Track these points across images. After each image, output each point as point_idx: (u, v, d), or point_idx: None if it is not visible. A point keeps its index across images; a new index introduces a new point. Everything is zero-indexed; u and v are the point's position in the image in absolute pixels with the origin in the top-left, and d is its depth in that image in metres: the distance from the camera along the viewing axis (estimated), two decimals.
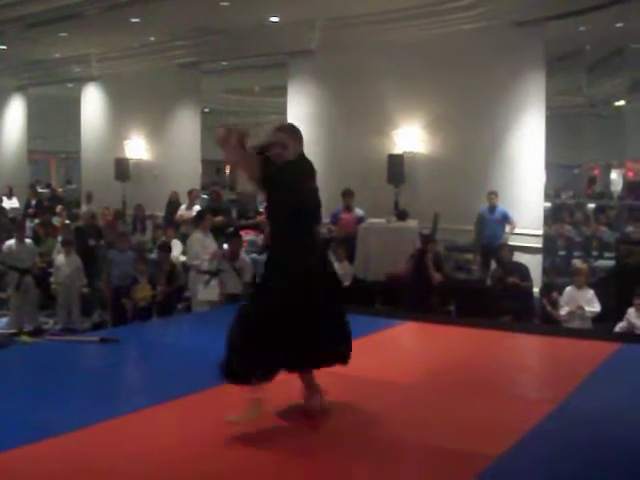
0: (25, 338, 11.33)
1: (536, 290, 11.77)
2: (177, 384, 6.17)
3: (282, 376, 5.22)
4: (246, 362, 4.93)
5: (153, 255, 13.33)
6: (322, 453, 4.81)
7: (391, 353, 7.85)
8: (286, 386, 5.44)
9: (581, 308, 10.03)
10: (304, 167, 5.55)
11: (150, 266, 11.78)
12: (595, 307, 10.06)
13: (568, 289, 10.34)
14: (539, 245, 13.16)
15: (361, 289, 11.66)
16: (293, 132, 5.51)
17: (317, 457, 4.77)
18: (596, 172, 18.20)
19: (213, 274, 10.68)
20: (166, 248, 11.98)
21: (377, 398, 6.01)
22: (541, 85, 13.08)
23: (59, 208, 18.55)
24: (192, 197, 15.57)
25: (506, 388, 6.52)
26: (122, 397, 5.97)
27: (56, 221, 17.03)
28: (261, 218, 13.99)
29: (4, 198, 20.47)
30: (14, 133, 23.61)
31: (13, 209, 20.16)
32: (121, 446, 4.80)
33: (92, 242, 14.52)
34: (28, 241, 12.36)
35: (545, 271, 12.96)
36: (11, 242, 12.18)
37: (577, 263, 11.86)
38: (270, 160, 5.24)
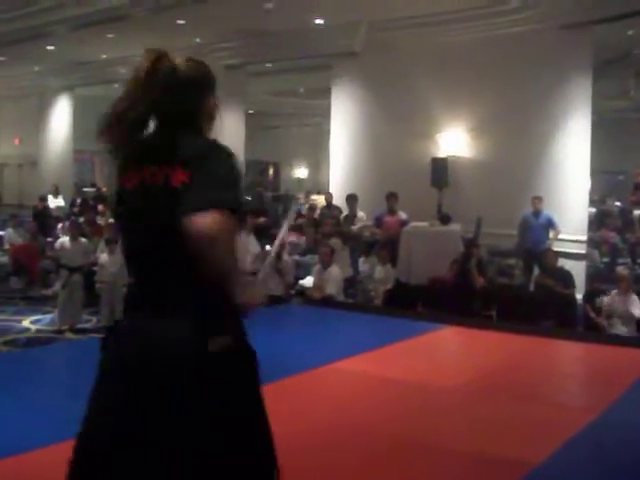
0: (68, 335, 11.45)
1: (579, 297, 11.66)
2: None
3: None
4: None
5: None
6: (361, 457, 4.81)
7: (432, 357, 7.84)
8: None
9: (626, 312, 9.87)
10: None
11: None
12: (636, 311, 9.88)
13: (612, 294, 10.21)
14: (583, 251, 13.02)
15: (403, 292, 11.63)
16: None
17: (348, 456, 4.77)
18: None
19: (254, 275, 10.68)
20: None
21: (417, 402, 6.00)
22: (587, 89, 12.95)
23: (101, 207, 18.70)
24: None
25: (547, 395, 6.48)
26: None
27: (100, 220, 17.17)
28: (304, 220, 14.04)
29: (50, 197, 20.67)
30: (60, 132, 23.86)
31: (58, 207, 20.35)
32: None
33: None
34: (82, 240, 12.47)
35: (588, 277, 12.85)
36: (64, 240, 12.29)
37: (620, 270, 11.72)
38: None
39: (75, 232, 12.41)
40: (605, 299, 10.24)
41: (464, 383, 6.60)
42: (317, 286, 11.24)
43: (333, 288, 11.20)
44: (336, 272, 11.43)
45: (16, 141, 25.54)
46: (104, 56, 20.36)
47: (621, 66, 14.87)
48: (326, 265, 11.35)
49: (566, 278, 11.07)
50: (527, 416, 5.66)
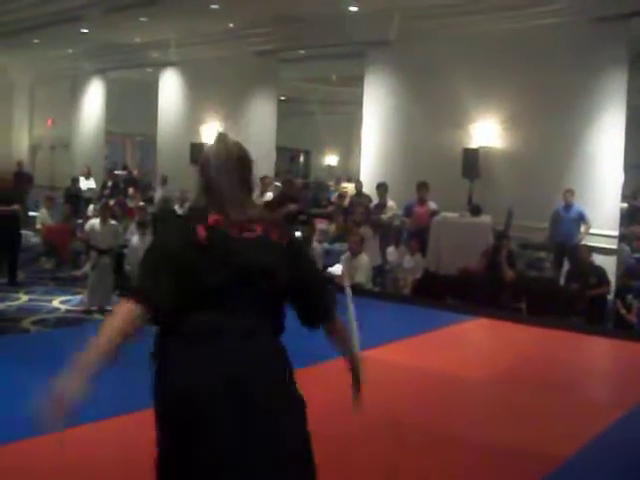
0: (97, 317, 11.52)
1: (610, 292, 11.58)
2: None
3: None
4: None
5: None
6: (384, 446, 4.81)
7: (461, 348, 7.82)
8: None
9: None
10: None
11: None
12: None
13: None
14: (614, 246, 12.91)
15: (432, 282, 11.61)
16: None
17: (378, 445, 4.76)
18: None
19: None
20: None
21: (444, 393, 5.99)
22: (622, 83, 12.82)
23: (131, 191, 18.79)
24: (265, 184, 15.63)
25: (575, 390, 6.45)
26: None
27: (130, 203, 17.25)
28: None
29: (82, 178, 20.78)
30: (93, 115, 23.99)
31: (89, 189, 20.46)
32: None
33: None
34: (112, 222, 12.52)
35: (619, 273, 12.74)
36: (94, 221, 12.35)
37: None
38: None
39: (105, 214, 12.45)
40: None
41: (492, 375, 6.58)
42: (346, 274, 11.23)
43: (362, 276, 11.20)
44: (365, 260, 11.42)
45: (49, 123, 25.70)
46: (137, 40, 20.42)
47: None
48: (356, 253, 11.34)
49: (600, 274, 10.99)
50: (555, 410, 5.64)
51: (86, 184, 20.72)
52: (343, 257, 11.63)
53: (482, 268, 11.14)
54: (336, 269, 11.75)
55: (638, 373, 7.05)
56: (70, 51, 22.65)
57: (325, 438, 4.86)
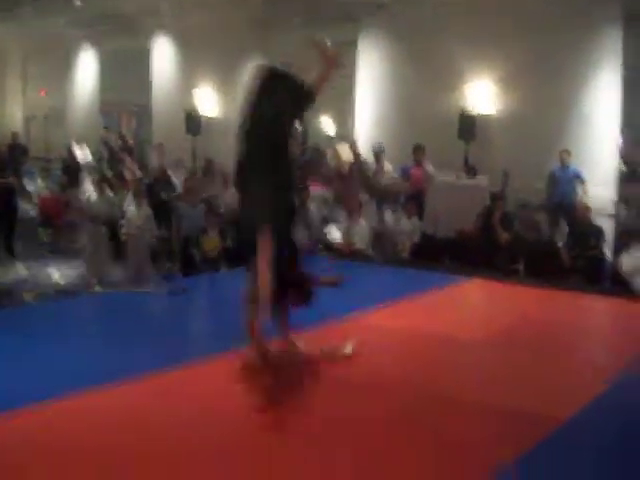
0: (96, 288, 11.52)
1: (608, 252, 11.58)
2: (240, 335, 6.22)
3: None
4: None
5: (222, 208, 13.41)
6: (381, 406, 4.83)
7: (458, 310, 7.85)
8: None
9: None
10: None
11: (220, 219, 11.87)
12: None
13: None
14: (611, 206, 12.90)
15: (430, 245, 11.62)
16: None
17: (376, 407, 4.79)
18: None
19: None
20: None
21: (442, 355, 6.02)
22: (618, 42, 12.73)
23: (128, 161, 18.70)
24: None
25: (573, 351, 6.48)
26: (185, 346, 6.04)
27: (126, 173, 17.19)
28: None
29: (76, 149, 20.69)
30: (86, 85, 23.83)
31: (85, 160, 20.39)
32: (183, 396, 4.88)
33: (164, 196, 14.62)
34: (108, 193, 12.50)
35: (617, 233, 12.73)
36: (90, 192, 12.34)
37: None
38: None
39: (101, 185, 12.45)
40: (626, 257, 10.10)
41: (489, 336, 6.60)
42: (345, 239, 11.24)
43: (361, 241, 11.20)
44: (364, 225, 11.42)
45: (42, 92, 25.53)
46: (130, 8, 20.24)
47: None
48: (354, 219, 11.34)
49: (597, 235, 10.98)
50: (552, 372, 5.66)
51: (81, 154, 20.63)
52: (341, 222, 11.61)
53: (477, 230, 11.14)
54: (334, 234, 11.74)
55: (636, 332, 7.06)
56: (62, 20, 22.46)
57: (321, 396, 4.91)
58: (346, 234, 11.28)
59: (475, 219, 11.40)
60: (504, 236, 10.97)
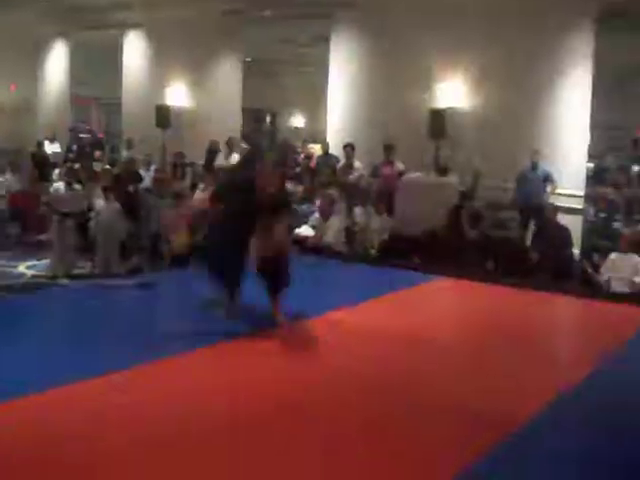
0: (63, 281, 11.45)
1: (576, 252, 11.65)
2: (211, 332, 6.19)
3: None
4: None
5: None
6: (347, 407, 4.82)
7: (426, 309, 7.85)
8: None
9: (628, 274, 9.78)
10: None
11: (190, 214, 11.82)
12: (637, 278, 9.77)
13: (612, 255, 10.14)
14: (580, 206, 12.98)
15: (399, 243, 11.62)
16: None
17: (343, 407, 4.77)
18: None
19: None
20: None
21: (409, 355, 6.00)
22: (589, 42, 12.81)
23: (98, 154, 18.61)
24: (230, 146, 15.53)
25: (542, 349, 6.49)
26: (154, 343, 6.00)
27: (96, 167, 17.10)
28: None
29: (46, 142, 20.56)
30: (57, 78, 23.65)
31: (55, 153, 20.25)
32: (150, 392, 4.84)
33: (131, 188, 14.56)
34: (76, 186, 12.42)
35: (585, 233, 12.81)
36: (59, 185, 12.26)
37: (623, 228, 11.65)
38: None
39: (70, 178, 12.37)
40: (607, 261, 10.13)
41: (457, 336, 6.61)
42: (317, 236, 11.23)
43: (333, 238, 11.20)
44: (336, 222, 11.41)
45: (12, 87, 25.31)
46: (100, 1, 20.11)
47: (623, 19, 14.68)
48: (327, 215, 11.33)
49: (564, 235, 11.04)
50: (519, 371, 5.67)
51: (51, 148, 20.50)
52: (312, 219, 11.58)
53: (446, 228, 11.17)
54: (304, 230, 11.71)
55: (604, 332, 7.10)
56: (31, 14, 22.26)
57: (291, 404, 4.89)
58: (319, 230, 11.26)
59: (444, 217, 11.40)
60: (472, 233, 10.99)
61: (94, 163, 17.34)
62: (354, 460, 4.03)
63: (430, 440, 4.39)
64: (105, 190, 12.49)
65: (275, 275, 6.63)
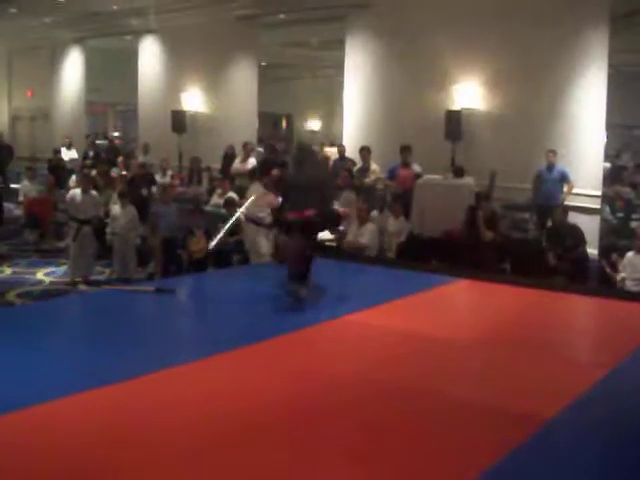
0: (81, 287, 11.50)
1: (594, 252, 11.62)
2: (230, 336, 6.20)
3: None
4: None
5: (208, 207, 13.42)
6: (369, 406, 4.82)
7: (445, 311, 7.84)
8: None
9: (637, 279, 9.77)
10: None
11: (206, 218, 11.88)
12: None
13: (629, 254, 10.12)
14: (597, 206, 12.94)
15: (417, 245, 11.62)
16: None
17: (363, 409, 4.78)
18: None
19: (270, 227, 10.78)
20: (233, 203, 11.97)
21: (429, 356, 6.00)
22: (604, 41, 12.75)
23: (120, 159, 18.70)
24: (247, 150, 15.58)
25: (560, 350, 6.46)
26: (174, 348, 6.02)
27: (115, 172, 17.19)
28: None
29: (63, 149, 20.66)
30: (72, 85, 23.77)
31: (72, 160, 20.34)
32: (171, 398, 4.85)
33: (145, 192, 14.62)
34: (93, 192, 12.48)
35: (603, 233, 12.78)
36: (76, 192, 12.31)
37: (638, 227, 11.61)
38: None
39: (86, 184, 12.43)
40: (621, 265, 10.11)
41: (476, 337, 6.59)
42: (352, 241, 11.35)
43: (369, 242, 11.32)
44: (372, 227, 11.48)
45: (29, 94, 25.46)
46: (115, 7, 20.19)
47: (638, 19, 14.64)
48: (363, 220, 11.47)
49: (576, 235, 11.00)
50: (539, 371, 5.65)
51: (68, 155, 20.60)
52: (349, 226, 11.57)
53: (462, 230, 11.16)
54: (324, 235, 11.75)
55: (622, 331, 7.07)
56: (47, 20, 22.38)
57: (312, 406, 4.90)
58: (353, 234, 11.35)
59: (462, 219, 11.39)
60: (488, 235, 10.97)
61: (113, 169, 17.42)
62: (377, 461, 4.03)
63: (452, 440, 4.39)
64: (121, 196, 12.55)
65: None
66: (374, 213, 12.47)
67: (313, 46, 21.94)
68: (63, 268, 12.55)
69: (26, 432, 4.25)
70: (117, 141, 24.18)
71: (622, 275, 9.97)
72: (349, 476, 3.89)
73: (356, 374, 5.44)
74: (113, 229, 12.22)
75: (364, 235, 11.36)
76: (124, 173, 16.56)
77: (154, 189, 14.94)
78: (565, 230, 11.04)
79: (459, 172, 12.94)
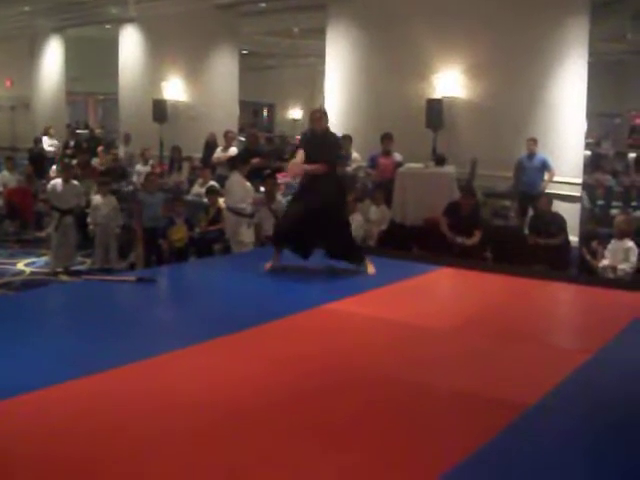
0: (63, 277, 11.47)
1: (574, 239, 11.67)
2: (211, 326, 6.20)
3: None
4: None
5: (189, 196, 13.41)
6: (351, 394, 4.83)
7: (427, 299, 7.86)
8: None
9: (614, 268, 9.82)
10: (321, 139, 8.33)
11: (187, 207, 11.86)
12: (631, 259, 9.80)
13: (612, 242, 10.15)
14: (578, 194, 13.00)
15: (398, 233, 11.64)
16: (325, 114, 8.56)
17: (345, 397, 4.78)
18: (638, 121, 17.95)
19: (250, 216, 10.79)
20: (215, 192, 11.96)
21: (410, 344, 6.01)
22: (584, 31, 12.78)
23: (100, 149, 18.63)
24: (228, 139, 15.53)
25: (541, 337, 6.50)
26: (156, 338, 6.01)
27: (95, 162, 17.12)
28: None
29: (45, 138, 20.57)
30: (52, 75, 23.66)
31: (52, 146, 20.31)
32: (153, 385, 4.85)
33: (116, 186, 14.58)
34: (74, 182, 12.42)
35: (584, 220, 12.84)
36: (56, 182, 12.26)
37: (618, 216, 11.64)
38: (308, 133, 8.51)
39: (67, 174, 12.38)
40: (606, 251, 10.14)
41: (457, 324, 6.62)
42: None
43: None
44: (358, 219, 11.49)
45: (7, 83, 25.31)
46: None
47: (618, 8, 14.68)
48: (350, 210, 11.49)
49: (559, 223, 11.05)
50: (521, 358, 5.68)
51: (49, 143, 20.53)
52: None
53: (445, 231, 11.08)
54: None
55: (603, 318, 7.11)
56: (26, 9, 22.25)
57: (299, 391, 4.91)
58: None
59: (443, 211, 11.32)
60: (475, 236, 10.90)
61: (93, 159, 17.35)
62: (358, 448, 4.04)
63: (433, 427, 4.41)
64: (101, 185, 12.50)
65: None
66: None
67: (294, 35, 21.91)
68: (44, 258, 12.51)
69: (10, 422, 4.24)
70: (97, 130, 24.06)
71: (605, 262, 9.99)
72: (331, 463, 3.89)
73: (337, 362, 5.45)
74: (95, 219, 12.17)
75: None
76: (95, 166, 16.52)
77: (131, 180, 14.91)
78: (548, 219, 11.07)
79: (440, 160, 12.96)
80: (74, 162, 15.88)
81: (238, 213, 11.00)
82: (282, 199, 11.49)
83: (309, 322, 6.53)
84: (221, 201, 11.70)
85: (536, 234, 10.87)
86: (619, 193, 15.37)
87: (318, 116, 8.41)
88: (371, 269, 8.36)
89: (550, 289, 8.42)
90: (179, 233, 11.24)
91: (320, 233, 8.08)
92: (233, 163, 11.84)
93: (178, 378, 5.00)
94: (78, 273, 11.55)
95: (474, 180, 12.58)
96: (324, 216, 7.99)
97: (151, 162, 16.64)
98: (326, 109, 9.21)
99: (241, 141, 16.92)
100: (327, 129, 8.48)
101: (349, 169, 13.48)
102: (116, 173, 15.29)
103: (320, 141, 8.28)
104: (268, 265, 8.07)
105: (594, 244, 10.57)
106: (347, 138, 13.89)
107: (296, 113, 29.02)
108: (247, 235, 10.92)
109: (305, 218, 7.98)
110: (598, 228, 11.85)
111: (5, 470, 3.70)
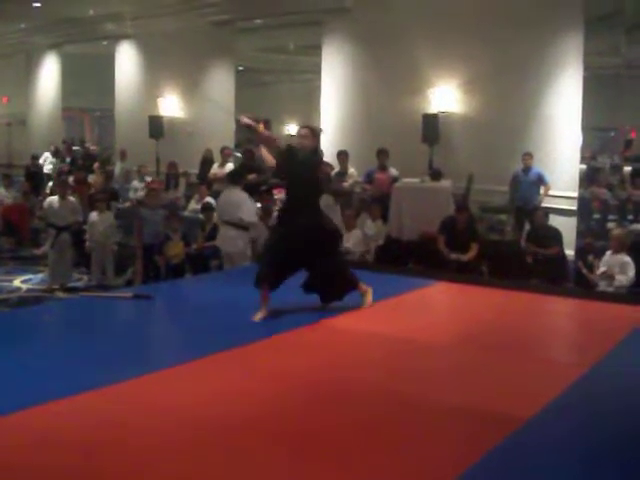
0: (59, 294, 11.45)
1: (571, 253, 11.68)
2: (209, 341, 6.19)
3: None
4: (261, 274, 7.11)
5: (185, 213, 13.41)
6: (346, 408, 4.83)
7: (423, 313, 7.84)
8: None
9: (612, 277, 9.83)
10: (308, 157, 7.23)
11: (183, 224, 11.85)
12: (628, 274, 9.81)
13: (607, 255, 10.17)
14: (574, 208, 13.02)
15: (394, 248, 11.65)
16: (313, 131, 7.39)
17: (340, 412, 4.78)
18: (633, 135, 17.95)
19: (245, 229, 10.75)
20: (211, 208, 11.95)
21: (407, 359, 6.00)
22: (579, 45, 12.85)
23: (96, 165, 18.64)
24: (225, 155, 15.56)
25: (537, 351, 6.49)
26: (154, 354, 6.00)
27: (91, 179, 17.12)
28: None
29: (48, 154, 20.65)
30: (49, 91, 23.69)
31: (51, 163, 20.38)
32: (151, 403, 4.84)
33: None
34: (71, 199, 12.42)
35: (580, 234, 12.85)
36: (53, 198, 12.26)
37: (614, 229, 11.65)
38: (290, 149, 7.24)
39: (63, 191, 12.38)
40: (601, 262, 10.16)
41: (454, 339, 6.61)
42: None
43: (353, 246, 11.36)
44: (358, 234, 11.52)
45: (4, 100, 25.35)
46: (91, 12, 20.15)
47: (613, 23, 14.74)
48: (350, 226, 11.52)
49: (555, 237, 11.07)
50: (517, 372, 5.67)
51: (44, 160, 20.56)
52: None
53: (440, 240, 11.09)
54: None
55: (599, 332, 7.10)
56: (23, 26, 22.31)
57: (296, 406, 4.90)
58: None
59: (439, 228, 11.31)
60: (472, 251, 10.90)
61: (89, 175, 17.36)
62: (355, 462, 4.03)
63: (430, 442, 4.40)
64: (98, 202, 12.50)
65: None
66: None
67: (290, 51, 21.96)
68: (40, 275, 12.49)
69: (9, 436, 4.24)
70: (93, 147, 24.08)
71: (603, 269, 9.98)
72: (328, 477, 3.89)
73: (334, 376, 5.44)
74: (91, 236, 12.17)
75: (349, 240, 11.41)
76: (91, 182, 16.49)
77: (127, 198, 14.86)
78: (545, 232, 11.09)
79: (436, 175, 12.97)
80: (70, 179, 15.88)
81: (239, 227, 10.93)
82: None
83: (306, 338, 6.52)
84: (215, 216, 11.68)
85: (532, 249, 10.91)
86: (615, 206, 15.37)
87: (303, 133, 7.24)
88: (369, 299, 7.54)
89: (547, 303, 8.41)
90: (176, 249, 11.24)
91: (306, 267, 7.30)
92: (233, 178, 11.86)
93: (175, 393, 4.99)
94: (75, 290, 11.54)
95: (470, 195, 12.59)
96: (308, 251, 7.11)
97: (148, 179, 16.64)
98: (319, 127, 8.29)
99: (237, 157, 16.93)
100: (315, 149, 7.31)
101: (345, 184, 13.50)
102: (106, 194, 15.26)
103: (300, 160, 7.14)
104: (259, 315, 6.98)
105: (590, 258, 10.59)
106: (343, 153, 13.93)
107: (292, 129, 29.05)
108: (242, 249, 10.87)
109: (287, 256, 7.06)
110: (594, 242, 11.85)
111: None
